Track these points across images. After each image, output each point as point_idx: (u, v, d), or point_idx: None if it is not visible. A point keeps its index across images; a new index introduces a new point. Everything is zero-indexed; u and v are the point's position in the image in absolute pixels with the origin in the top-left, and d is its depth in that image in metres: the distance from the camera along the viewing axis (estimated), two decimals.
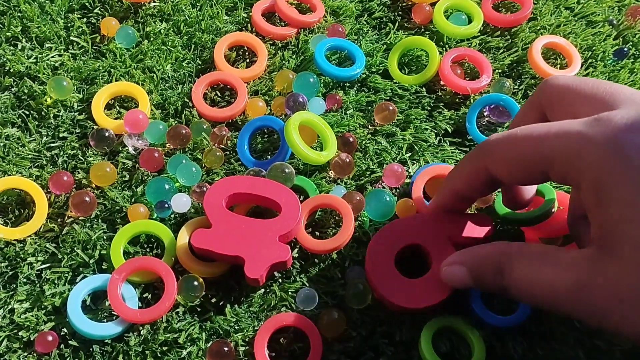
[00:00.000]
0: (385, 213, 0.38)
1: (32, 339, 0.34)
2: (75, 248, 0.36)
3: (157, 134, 0.40)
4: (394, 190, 0.39)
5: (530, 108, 0.33)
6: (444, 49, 0.45)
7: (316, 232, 0.37)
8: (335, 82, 0.43)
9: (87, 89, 0.42)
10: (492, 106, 0.42)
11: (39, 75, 0.42)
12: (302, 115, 0.39)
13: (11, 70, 0.42)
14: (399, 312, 0.34)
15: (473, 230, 0.34)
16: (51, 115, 0.41)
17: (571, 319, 0.29)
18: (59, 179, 0.38)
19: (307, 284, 0.36)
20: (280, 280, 0.36)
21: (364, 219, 0.38)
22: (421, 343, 0.33)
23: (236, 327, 0.34)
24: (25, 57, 0.43)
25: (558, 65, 0.45)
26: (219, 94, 0.43)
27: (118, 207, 0.38)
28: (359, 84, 0.43)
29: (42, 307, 0.35)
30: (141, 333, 0.34)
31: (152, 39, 0.44)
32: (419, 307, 0.33)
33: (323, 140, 0.40)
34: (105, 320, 0.34)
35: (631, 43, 0.46)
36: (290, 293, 0.35)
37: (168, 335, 0.34)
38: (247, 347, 0.34)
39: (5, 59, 0.43)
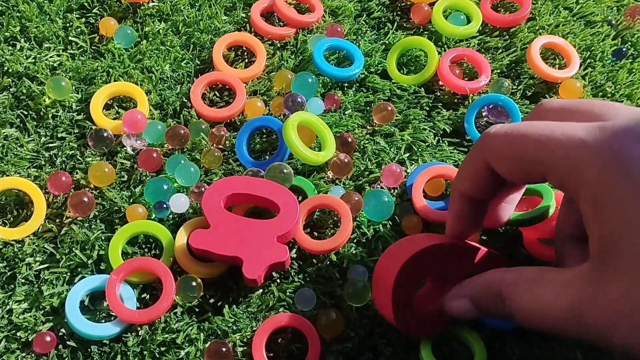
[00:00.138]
0: (384, 213, 0.38)
1: (30, 339, 0.34)
2: (73, 248, 0.36)
3: (155, 134, 0.40)
4: (392, 191, 0.39)
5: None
6: (443, 49, 0.45)
7: (314, 233, 0.37)
8: (334, 82, 0.43)
9: (85, 89, 0.42)
10: (490, 106, 0.42)
11: (38, 75, 0.42)
12: (301, 116, 0.39)
13: (10, 70, 0.42)
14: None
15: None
16: (50, 116, 0.41)
17: (580, 340, 0.28)
18: (58, 179, 0.38)
19: (305, 285, 0.36)
20: (278, 280, 0.36)
21: (363, 219, 0.38)
22: (421, 345, 0.33)
23: (234, 328, 0.34)
24: (24, 57, 0.43)
25: (557, 66, 0.45)
26: (218, 94, 0.43)
27: (116, 208, 0.38)
28: (357, 84, 0.43)
29: (41, 307, 0.35)
30: (139, 333, 0.34)
31: (150, 39, 0.44)
32: (431, 334, 0.33)
33: (321, 140, 0.40)
34: (103, 321, 0.34)
35: (630, 43, 0.46)
36: (288, 293, 0.35)
37: (166, 335, 0.34)
38: (245, 348, 0.34)
39: (3, 59, 0.43)
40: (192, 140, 0.40)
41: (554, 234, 0.33)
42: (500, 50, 0.45)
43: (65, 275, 0.36)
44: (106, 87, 0.41)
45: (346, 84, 0.43)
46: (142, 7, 0.46)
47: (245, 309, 0.35)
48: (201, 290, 0.35)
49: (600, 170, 0.25)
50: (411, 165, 0.40)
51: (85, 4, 0.46)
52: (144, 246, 0.37)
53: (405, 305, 0.31)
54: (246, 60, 0.44)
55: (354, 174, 0.40)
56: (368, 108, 0.42)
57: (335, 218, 0.38)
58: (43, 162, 0.39)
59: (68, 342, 0.34)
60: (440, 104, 0.43)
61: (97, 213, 0.38)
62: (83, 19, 0.45)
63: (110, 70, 0.43)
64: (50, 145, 0.40)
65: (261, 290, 0.35)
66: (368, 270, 0.35)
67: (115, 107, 0.42)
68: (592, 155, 0.25)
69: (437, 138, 0.42)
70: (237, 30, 0.45)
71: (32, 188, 0.37)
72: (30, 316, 0.34)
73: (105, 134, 0.39)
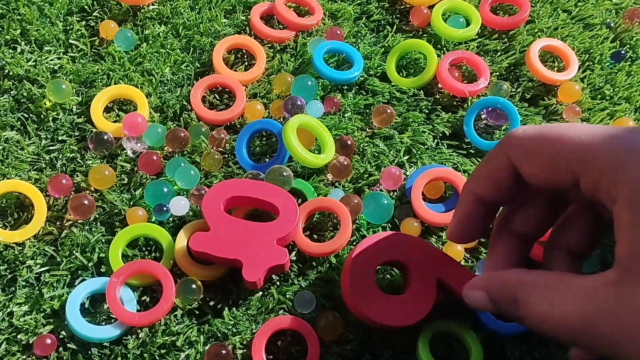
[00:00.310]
0: (383, 216, 0.38)
1: (30, 342, 0.34)
2: (74, 251, 0.36)
3: (155, 137, 0.40)
4: (391, 193, 0.39)
5: None
6: (442, 51, 0.45)
7: (314, 235, 0.38)
8: (334, 85, 0.43)
9: (86, 92, 0.42)
10: (489, 109, 0.42)
11: (38, 78, 0.42)
12: (300, 118, 0.39)
13: (10, 73, 0.42)
14: (375, 327, 0.34)
15: (458, 281, 0.32)
16: (50, 119, 0.41)
17: (588, 349, 0.27)
18: (58, 182, 0.38)
19: (305, 287, 0.36)
20: (278, 283, 0.36)
21: (362, 221, 0.38)
22: (419, 346, 0.33)
23: (234, 330, 0.34)
24: (25, 60, 0.43)
25: (555, 68, 0.45)
26: (218, 97, 0.43)
27: (117, 210, 0.38)
28: (357, 87, 0.44)
29: (41, 310, 0.35)
30: (139, 336, 0.34)
31: (150, 42, 0.45)
32: (398, 325, 0.32)
33: (321, 143, 0.40)
34: (103, 323, 0.34)
35: (628, 46, 0.47)
36: (288, 296, 0.35)
37: (166, 338, 0.34)
38: (245, 350, 0.34)
39: (4, 62, 0.43)
40: (192, 143, 0.40)
41: (547, 243, 0.32)
42: (499, 53, 0.46)
43: (65, 277, 0.36)
44: (106, 90, 0.42)
45: (346, 87, 0.43)
46: (142, 10, 0.46)
47: (245, 312, 0.35)
48: (201, 293, 0.35)
49: None
50: (410, 167, 0.40)
51: (86, 7, 0.46)
52: (144, 249, 0.37)
53: (365, 289, 0.32)
54: (246, 63, 0.44)
55: (353, 176, 0.40)
56: (367, 111, 0.42)
57: (334, 221, 0.38)
58: (43, 165, 0.40)
59: (68, 345, 0.34)
60: (440, 107, 0.43)
61: (97, 216, 0.38)
62: (83, 22, 0.45)
63: (111, 73, 0.43)
64: (51, 148, 0.40)
65: (261, 293, 0.36)
66: None
67: (116, 110, 0.42)
68: (635, 156, 0.24)
69: (436, 141, 0.42)
70: (237, 33, 0.46)
71: (32, 191, 0.37)
72: (31, 319, 0.34)
73: (105, 137, 0.39)
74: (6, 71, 0.43)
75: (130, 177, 0.39)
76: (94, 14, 0.46)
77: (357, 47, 0.45)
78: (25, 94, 0.42)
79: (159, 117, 0.42)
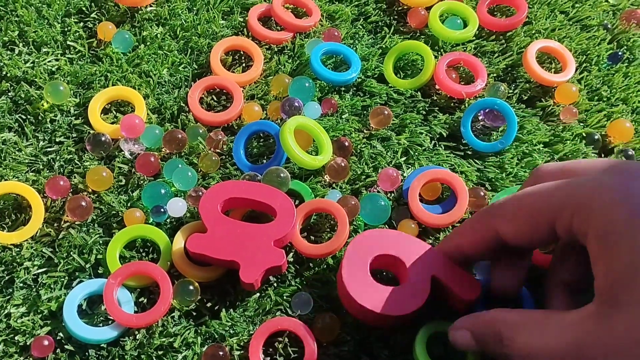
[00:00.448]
0: (380, 217, 0.38)
1: (28, 343, 0.34)
2: (71, 252, 0.36)
3: (153, 138, 0.40)
4: (388, 195, 0.39)
5: None
6: (439, 53, 0.45)
7: (311, 237, 0.38)
8: (331, 86, 0.43)
9: (83, 94, 0.42)
10: (486, 110, 0.42)
11: (36, 79, 0.42)
12: (298, 120, 0.39)
13: (8, 74, 0.42)
14: (372, 323, 0.34)
15: (459, 286, 0.33)
16: (48, 120, 0.41)
17: None
18: (56, 184, 0.38)
19: (302, 288, 0.36)
20: (275, 284, 0.36)
21: (359, 223, 0.38)
22: (416, 347, 0.33)
23: (231, 332, 0.34)
24: (22, 62, 0.43)
25: (553, 70, 0.45)
26: (215, 99, 0.43)
27: (114, 212, 0.38)
28: (354, 88, 0.44)
29: (38, 311, 0.35)
30: (137, 337, 0.34)
31: (148, 44, 0.45)
32: (394, 314, 0.32)
33: (318, 144, 0.40)
34: (101, 325, 0.34)
35: (625, 47, 0.47)
36: (285, 297, 0.35)
37: (163, 339, 0.34)
38: (242, 352, 0.34)
39: (2, 64, 0.43)
40: (189, 144, 0.40)
41: (546, 279, 0.33)
42: (496, 55, 0.46)
43: (63, 279, 0.36)
44: (104, 91, 0.42)
45: (343, 88, 0.43)
46: (140, 12, 0.46)
47: (242, 313, 0.35)
48: (198, 294, 0.35)
49: (610, 205, 0.25)
50: (408, 169, 0.40)
51: (84, 8, 0.46)
52: (141, 250, 0.37)
53: (361, 280, 0.33)
54: (243, 65, 0.44)
55: (350, 177, 0.40)
56: (365, 112, 0.42)
57: (332, 222, 0.38)
58: (41, 167, 0.40)
59: (66, 346, 0.34)
60: (437, 108, 0.43)
61: (95, 217, 0.38)
62: (81, 24, 0.45)
63: (108, 74, 0.43)
64: (49, 149, 0.40)
65: (258, 294, 0.36)
66: None
67: (113, 112, 0.42)
68: (601, 190, 0.26)
69: (433, 142, 0.42)
70: (234, 34, 0.46)
71: (30, 192, 0.37)
72: (28, 320, 0.34)
73: (103, 138, 0.39)
74: (4, 72, 0.43)
75: (128, 179, 0.39)
76: (92, 15, 0.46)
77: (354, 48, 0.45)
78: (22, 96, 0.42)
79: (157, 118, 0.42)
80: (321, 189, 0.39)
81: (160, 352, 0.34)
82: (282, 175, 0.37)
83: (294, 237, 0.36)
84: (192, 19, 0.46)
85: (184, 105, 0.42)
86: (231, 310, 0.35)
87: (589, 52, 0.46)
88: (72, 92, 0.42)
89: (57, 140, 0.41)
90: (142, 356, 0.33)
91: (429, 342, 0.33)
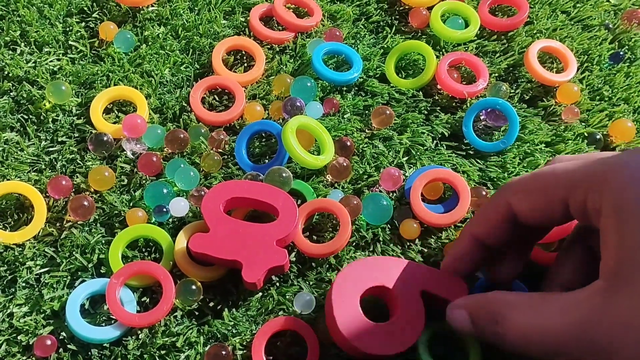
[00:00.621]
0: (382, 217, 0.38)
1: (31, 342, 0.34)
2: (73, 252, 0.36)
3: (155, 138, 0.40)
4: (390, 194, 0.39)
5: None
6: (441, 53, 0.45)
7: (313, 236, 0.38)
8: (333, 86, 0.43)
9: (85, 93, 0.42)
10: (488, 110, 0.42)
11: (38, 79, 0.42)
12: (300, 120, 0.39)
13: (10, 74, 0.42)
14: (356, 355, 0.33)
15: (447, 292, 0.33)
16: (50, 120, 0.41)
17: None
18: (58, 183, 0.38)
19: (305, 288, 0.36)
20: (277, 284, 0.36)
21: (361, 222, 0.38)
22: (418, 346, 0.33)
23: (234, 331, 0.34)
24: (24, 62, 0.43)
25: (554, 69, 0.45)
26: (217, 98, 0.43)
27: (116, 212, 0.38)
28: (356, 88, 0.44)
29: (41, 311, 0.35)
30: (139, 337, 0.34)
31: (150, 43, 0.45)
32: (391, 353, 0.31)
33: (320, 144, 0.40)
34: (103, 324, 0.35)
35: (627, 47, 0.47)
36: (287, 297, 0.35)
37: (166, 339, 0.34)
38: (244, 351, 0.34)
39: (4, 63, 0.43)
40: (191, 144, 0.40)
41: (544, 281, 0.33)
42: (498, 54, 0.46)
43: (65, 278, 0.36)
44: (106, 91, 0.42)
45: (345, 88, 0.43)
46: (141, 12, 0.46)
47: (244, 313, 0.35)
48: (201, 294, 0.35)
49: (626, 183, 0.25)
50: (410, 168, 0.40)
51: (85, 8, 0.46)
52: (144, 250, 0.37)
53: (351, 315, 0.32)
54: (245, 65, 0.44)
55: (352, 177, 0.40)
56: (367, 112, 0.42)
57: (334, 222, 0.38)
58: (43, 166, 0.40)
59: (68, 346, 0.34)
60: (439, 108, 0.43)
61: (97, 217, 0.38)
62: (83, 23, 0.45)
63: (110, 74, 0.43)
64: (51, 149, 0.40)
65: (260, 294, 0.36)
66: None
67: (115, 111, 0.42)
68: (617, 166, 0.25)
69: (435, 142, 0.42)
70: (236, 34, 0.46)
71: (32, 192, 0.37)
72: (31, 320, 0.34)
73: (105, 138, 0.39)
74: (6, 72, 0.43)
75: (130, 178, 0.39)
76: (94, 15, 0.46)
77: (356, 48, 0.45)
78: (25, 95, 0.42)
79: (159, 118, 0.42)
80: (323, 188, 0.39)
81: (162, 352, 0.34)
82: (284, 174, 0.37)
83: (296, 237, 0.36)
84: (193, 19, 0.46)
85: (185, 105, 0.42)
86: (234, 309, 0.35)
87: (590, 51, 0.46)
88: (74, 92, 0.42)
89: (59, 140, 0.41)
90: (145, 356, 0.34)
91: (431, 341, 0.33)
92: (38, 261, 0.36)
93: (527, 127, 0.42)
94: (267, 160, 0.40)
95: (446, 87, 0.43)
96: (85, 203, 0.37)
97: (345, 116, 0.42)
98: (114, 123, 0.41)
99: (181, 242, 0.36)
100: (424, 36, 0.46)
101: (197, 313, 0.35)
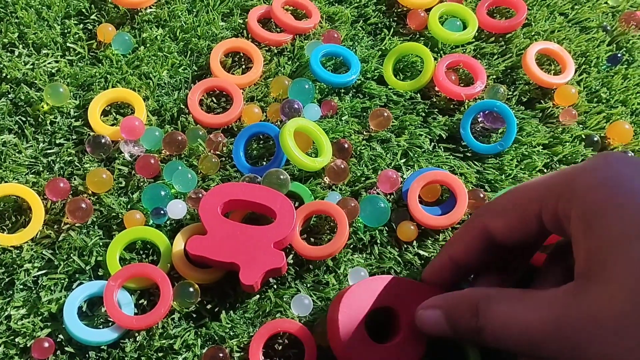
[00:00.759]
0: (380, 219, 0.38)
1: (28, 345, 0.34)
2: (71, 254, 0.36)
3: (153, 140, 0.40)
4: (388, 196, 0.39)
5: None
6: (439, 55, 0.45)
7: (311, 239, 0.38)
8: (331, 88, 0.43)
9: (83, 96, 0.42)
10: (486, 112, 0.42)
11: (36, 81, 0.42)
12: (298, 122, 0.39)
13: (8, 76, 0.42)
14: None
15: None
16: (48, 122, 0.41)
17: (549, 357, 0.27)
18: (56, 186, 0.38)
19: (302, 290, 0.36)
20: (275, 286, 0.36)
21: (359, 225, 0.38)
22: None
23: (231, 333, 0.34)
24: (22, 64, 0.43)
25: (552, 72, 0.45)
26: (215, 100, 0.43)
27: (114, 214, 0.38)
28: (354, 90, 0.44)
29: (39, 313, 0.35)
30: (137, 339, 0.34)
31: (148, 45, 0.45)
32: None
33: (318, 146, 0.40)
34: (101, 327, 0.35)
35: (625, 49, 0.47)
36: (285, 299, 0.35)
37: (164, 341, 0.34)
38: (242, 353, 0.34)
39: (2, 65, 0.43)
40: (189, 146, 0.40)
41: (531, 284, 0.33)
42: (495, 56, 0.46)
43: (63, 281, 0.36)
44: (104, 93, 0.42)
45: (343, 90, 0.44)
46: (139, 14, 0.46)
47: (242, 315, 0.35)
48: (198, 296, 0.35)
49: (591, 186, 0.26)
50: (407, 171, 0.41)
51: (83, 10, 0.46)
52: (141, 252, 0.37)
53: (356, 337, 0.31)
54: (243, 67, 0.44)
55: (350, 179, 0.40)
56: (364, 114, 0.42)
57: (331, 224, 0.38)
58: (41, 169, 0.40)
59: (66, 348, 0.34)
60: (436, 110, 0.43)
61: (95, 219, 0.38)
62: (81, 25, 0.45)
63: (108, 76, 0.43)
64: (49, 151, 0.40)
65: (258, 296, 0.36)
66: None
67: (113, 114, 0.42)
68: (583, 173, 0.26)
69: (433, 144, 0.42)
70: (234, 36, 0.46)
71: (30, 194, 0.37)
72: (29, 322, 0.34)
73: (103, 140, 0.39)
74: (4, 74, 0.43)
75: (128, 181, 0.39)
76: (92, 17, 0.46)
77: (354, 50, 0.45)
78: (22, 98, 0.42)
79: (157, 120, 0.42)
80: (321, 190, 0.39)
81: (160, 354, 0.34)
82: (282, 177, 0.37)
83: (293, 239, 0.36)
84: (191, 21, 0.46)
85: (183, 107, 0.42)
86: (231, 312, 0.35)
87: (588, 53, 0.46)
88: (72, 93, 0.42)
89: (57, 142, 0.41)
90: (142, 358, 0.34)
91: (429, 343, 0.33)
92: (36, 263, 0.36)
93: (524, 129, 0.42)
94: (264, 163, 0.40)
95: (444, 89, 0.43)
96: (83, 205, 0.37)
97: (343, 118, 0.42)
98: (112, 125, 0.41)
99: (179, 245, 0.36)
100: (422, 38, 0.47)
101: (194, 315, 0.35)
